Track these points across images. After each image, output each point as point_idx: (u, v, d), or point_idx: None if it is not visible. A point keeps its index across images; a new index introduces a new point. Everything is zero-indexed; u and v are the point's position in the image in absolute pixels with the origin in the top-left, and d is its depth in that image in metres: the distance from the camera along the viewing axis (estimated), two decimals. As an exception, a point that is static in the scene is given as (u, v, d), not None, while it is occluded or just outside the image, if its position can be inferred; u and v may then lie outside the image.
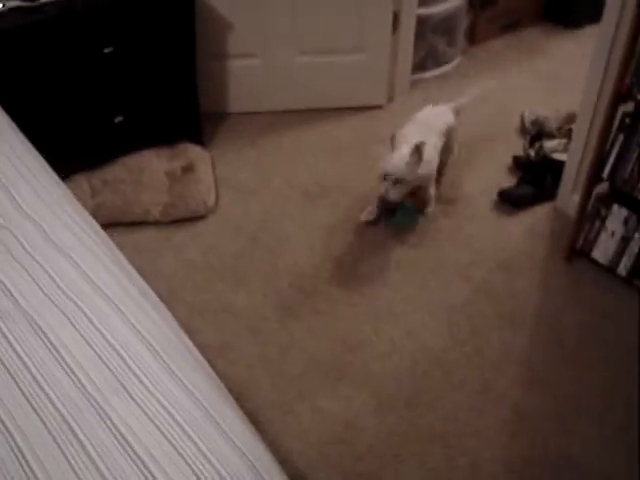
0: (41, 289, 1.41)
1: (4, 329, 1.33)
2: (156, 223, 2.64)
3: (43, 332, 1.32)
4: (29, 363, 1.27)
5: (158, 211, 2.65)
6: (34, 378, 1.24)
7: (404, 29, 3.17)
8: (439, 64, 3.56)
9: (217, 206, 2.73)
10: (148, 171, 2.79)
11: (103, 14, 2.50)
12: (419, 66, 3.47)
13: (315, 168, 2.93)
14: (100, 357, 1.27)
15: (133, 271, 1.55)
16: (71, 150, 2.62)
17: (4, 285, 1.42)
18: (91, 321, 1.34)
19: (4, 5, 2.38)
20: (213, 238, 2.60)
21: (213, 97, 3.13)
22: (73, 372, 1.25)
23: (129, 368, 1.25)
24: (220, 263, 2.50)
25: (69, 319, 1.34)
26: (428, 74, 3.52)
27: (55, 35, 2.43)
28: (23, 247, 1.51)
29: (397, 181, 2.44)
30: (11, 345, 1.30)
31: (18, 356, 1.28)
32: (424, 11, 3.31)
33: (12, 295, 1.40)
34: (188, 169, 2.80)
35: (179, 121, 2.90)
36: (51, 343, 1.30)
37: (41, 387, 1.22)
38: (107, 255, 1.53)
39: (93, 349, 1.28)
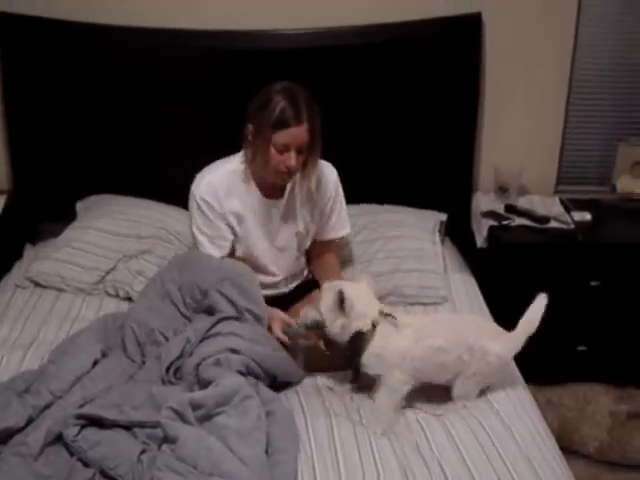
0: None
1: None
2: (588, 457, 2.61)
3: None
4: None
5: (594, 447, 2.62)
6: None
7: None
8: None
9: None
10: (594, 404, 2.77)
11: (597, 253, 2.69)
12: None
13: None
14: None
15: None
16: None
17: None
18: None
19: (514, 221, 2.75)
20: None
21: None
22: None
23: None
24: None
25: None
26: None
27: (549, 259, 2.67)
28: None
29: None
30: None
31: None
32: None
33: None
34: (634, 416, 2.73)
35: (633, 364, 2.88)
36: None
37: None
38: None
39: None
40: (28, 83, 2.78)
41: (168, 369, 1.95)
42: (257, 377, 1.95)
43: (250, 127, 2.13)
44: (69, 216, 2.80)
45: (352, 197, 2.69)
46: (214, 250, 2.25)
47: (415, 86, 2.80)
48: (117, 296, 2.51)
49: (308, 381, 2.09)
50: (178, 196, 2.67)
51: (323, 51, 2.70)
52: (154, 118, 2.79)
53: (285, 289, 2.40)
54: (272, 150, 2.08)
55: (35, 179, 2.90)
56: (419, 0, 2.75)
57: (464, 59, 2.78)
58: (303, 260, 2.47)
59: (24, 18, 2.70)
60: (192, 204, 2.24)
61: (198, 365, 1.91)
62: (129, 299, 2.45)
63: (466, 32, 2.75)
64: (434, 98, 2.81)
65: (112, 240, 2.60)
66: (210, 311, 2.13)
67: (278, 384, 2.03)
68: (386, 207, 2.80)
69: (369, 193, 2.83)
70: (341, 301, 1.92)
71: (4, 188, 2.94)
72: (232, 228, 2.26)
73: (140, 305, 2.23)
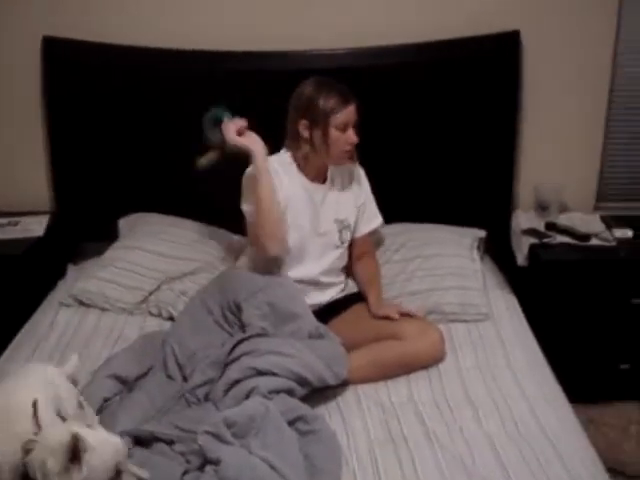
0: None
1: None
2: (633, 478, 2.57)
3: None
4: None
5: (636, 465, 2.59)
6: None
7: None
8: None
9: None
10: (637, 424, 2.75)
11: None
12: None
13: None
14: None
15: None
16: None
17: None
18: None
19: (554, 238, 2.73)
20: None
21: None
22: None
23: None
24: None
25: None
26: None
27: (591, 277, 2.65)
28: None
29: None
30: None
31: None
32: None
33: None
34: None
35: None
36: None
37: None
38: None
39: None
40: (69, 105, 2.84)
41: (194, 391, 1.99)
42: (290, 393, 1.96)
43: (304, 122, 2.31)
44: (110, 235, 2.84)
45: (391, 215, 2.71)
46: None
47: (454, 104, 2.81)
48: (160, 316, 2.53)
49: (349, 393, 2.09)
50: (217, 214, 2.75)
51: (361, 71, 2.72)
52: (194, 137, 2.83)
53: (326, 292, 2.46)
54: (333, 133, 2.29)
55: (76, 199, 2.96)
56: (456, 19, 2.76)
57: (503, 77, 2.79)
58: (344, 262, 2.52)
59: (66, 41, 2.77)
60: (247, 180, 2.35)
61: (226, 391, 1.95)
62: (172, 319, 2.47)
63: (504, 50, 2.76)
64: (473, 116, 2.82)
65: (156, 260, 2.63)
66: (244, 327, 2.17)
67: (317, 390, 2.04)
68: (424, 225, 2.81)
69: (408, 211, 2.84)
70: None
71: (47, 209, 3.00)
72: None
73: (182, 324, 2.26)
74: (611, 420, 2.77)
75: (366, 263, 2.56)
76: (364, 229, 2.56)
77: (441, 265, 2.59)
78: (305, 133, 2.32)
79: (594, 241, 2.74)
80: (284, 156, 2.41)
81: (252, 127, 2.34)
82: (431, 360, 2.20)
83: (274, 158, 2.39)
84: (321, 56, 2.76)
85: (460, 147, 2.86)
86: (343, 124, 2.29)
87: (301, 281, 2.39)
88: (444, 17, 2.78)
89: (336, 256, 2.47)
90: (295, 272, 2.39)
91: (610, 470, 2.48)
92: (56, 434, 1.48)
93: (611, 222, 2.85)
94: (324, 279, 2.45)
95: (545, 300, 2.65)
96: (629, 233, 2.77)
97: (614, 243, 2.72)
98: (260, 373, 1.97)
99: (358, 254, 2.57)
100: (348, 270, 2.58)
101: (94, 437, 1.48)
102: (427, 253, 2.64)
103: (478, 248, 2.77)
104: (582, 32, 2.81)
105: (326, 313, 2.40)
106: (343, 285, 2.54)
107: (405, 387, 2.11)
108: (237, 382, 1.96)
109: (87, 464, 1.44)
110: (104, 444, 1.50)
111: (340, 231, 2.46)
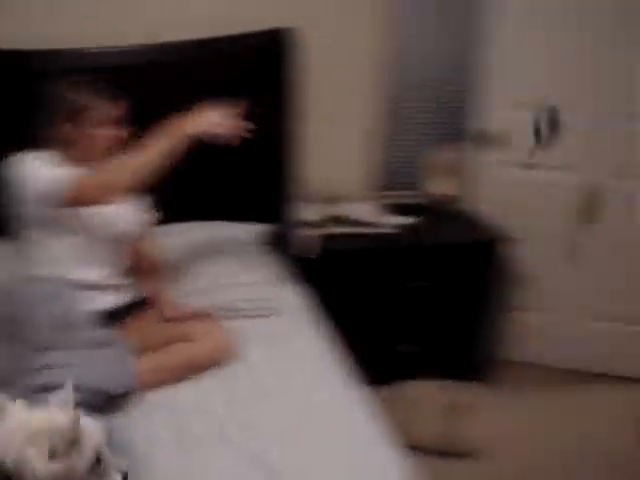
0: None
1: None
2: (422, 450, 2.71)
3: None
4: None
5: (428, 439, 2.74)
6: None
7: None
8: None
9: (487, 450, 2.75)
10: (427, 399, 2.91)
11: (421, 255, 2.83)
12: None
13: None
14: None
15: None
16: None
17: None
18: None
19: (338, 229, 2.82)
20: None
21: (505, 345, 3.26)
22: None
23: None
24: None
25: None
26: None
27: (373, 263, 2.79)
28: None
29: None
30: None
31: None
32: None
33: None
34: (467, 407, 2.89)
35: (468, 362, 3.06)
36: None
37: None
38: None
39: None
40: None
41: None
42: (80, 405, 1.85)
43: (68, 125, 2.23)
44: None
45: (175, 214, 2.66)
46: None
47: (229, 100, 2.79)
48: None
49: (139, 399, 2.02)
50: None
51: (138, 68, 2.67)
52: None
53: (113, 296, 2.35)
54: (99, 131, 2.24)
55: None
56: (231, 15, 2.77)
57: (276, 73, 2.82)
58: (129, 262, 2.45)
59: None
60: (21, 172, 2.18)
61: None
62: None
63: (277, 46, 2.79)
64: (256, 112, 2.82)
65: None
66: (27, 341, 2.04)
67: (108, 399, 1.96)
68: (209, 223, 2.80)
69: (192, 210, 2.81)
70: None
71: None
72: None
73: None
74: (398, 399, 2.91)
75: (149, 260, 2.51)
76: (140, 220, 2.48)
77: (229, 262, 2.59)
78: (71, 135, 2.25)
79: (376, 229, 2.86)
80: (53, 159, 2.27)
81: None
82: (220, 360, 2.18)
83: (45, 154, 2.25)
84: (96, 54, 2.69)
85: (243, 143, 2.85)
86: (108, 120, 2.24)
87: (87, 285, 2.28)
88: (219, 13, 2.79)
89: (121, 255, 2.39)
90: (80, 276, 2.28)
91: (409, 447, 2.61)
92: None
93: (390, 210, 2.99)
94: (110, 281, 2.36)
95: (334, 289, 2.73)
96: (407, 220, 2.93)
97: (394, 230, 2.87)
98: (46, 389, 1.85)
99: (138, 249, 2.50)
100: (135, 271, 2.50)
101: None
102: (214, 250, 2.63)
103: (265, 242, 2.80)
104: (356, 30, 2.93)
105: (115, 317, 2.31)
106: (130, 287, 2.46)
107: (196, 388, 2.06)
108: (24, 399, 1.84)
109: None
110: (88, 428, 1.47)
111: (123, 228, 2.38)
